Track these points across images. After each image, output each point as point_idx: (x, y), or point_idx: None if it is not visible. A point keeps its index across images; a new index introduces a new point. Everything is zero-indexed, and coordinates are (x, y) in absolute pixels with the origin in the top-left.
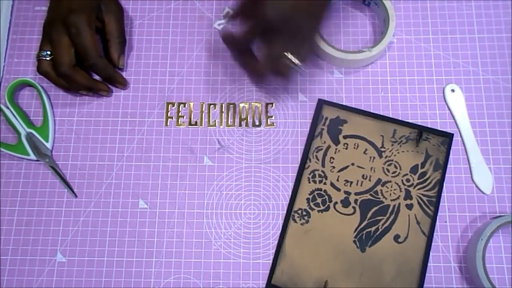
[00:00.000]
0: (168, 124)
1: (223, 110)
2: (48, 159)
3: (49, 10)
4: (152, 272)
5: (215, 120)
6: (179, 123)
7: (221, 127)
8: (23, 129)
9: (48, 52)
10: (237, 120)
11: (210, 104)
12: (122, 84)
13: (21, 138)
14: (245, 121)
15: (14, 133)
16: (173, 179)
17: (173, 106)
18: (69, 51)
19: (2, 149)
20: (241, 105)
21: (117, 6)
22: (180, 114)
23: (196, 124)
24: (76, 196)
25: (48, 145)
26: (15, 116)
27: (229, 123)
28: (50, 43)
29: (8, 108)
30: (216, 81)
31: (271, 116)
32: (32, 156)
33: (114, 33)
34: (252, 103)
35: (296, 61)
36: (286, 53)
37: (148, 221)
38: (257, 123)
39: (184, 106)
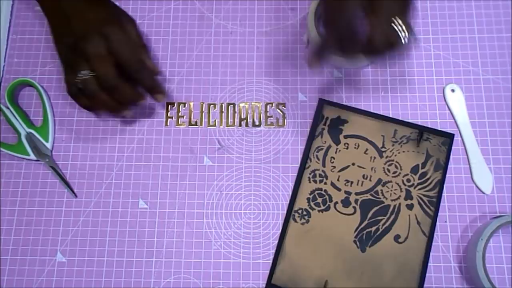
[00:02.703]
0: (168, 124)
1: (223, 110)
2: (48, 159)
3: (61, 29)
4: (152, 272)
5: (215, 120)
6: (179, 123)
7: (221, 127)
8: (23, 129)
9: (87, 71)
10: (237, 120)
11: (210, 104)
12: (163, 93)
13: (21, 138)
14: (245, 121)
15: (14, 133)
16: (173, 179)
17: (173, 106)
18: (112, 62)
19: (2, 149)
20: (241, 105)
21: (131, 18)
22: (180, 114)
23: (196, 124)
24: (76, 196)
25: (48, 145)
26: (15, 116)
27: (229, 123)
28: (88, 59)
29: (8, 108)
30: (216, 81)
31: (271, 116)
32: (32, 156)
33: (137, 41)
34: (252, 103)
35: (404, 29)
36: (394, 19)
37: (148, 221)
38: (257, 123)
39: (184, 106)
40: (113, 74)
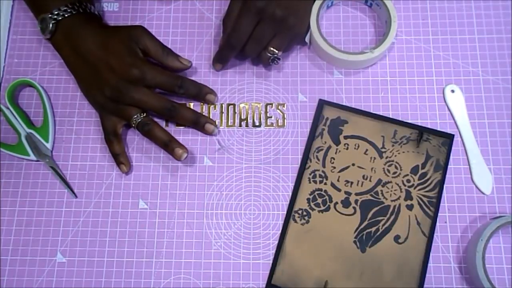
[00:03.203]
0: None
1: (223, 110)
2: (48, 159)
3: (89, 80)
4: (152, 272)
5: (215, 121)
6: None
7: (221, 127)
8: (23, 129)
9: (138, 114)
10: (237, 121)
11: (210, 105)
12: (211, 92)
13: (21, 139)
14: (245, 121)
15: (14, 134)
16: (173, 179)
17: None
18: (157, 95)
19: (2, 149)
20: (241, 105)
21: (141, 27)
22: None
23: None
24: (76, 196)
25: (48, 145)
26: (15, 117)
27: (229, 124)
28: (135, 103)
29: (8, 108)
30: (216, 81)
31: (271, 117)
32: (32, 156)
33: (158, 50)
34: (252, 104)
35: (273, 53)
36: (269, 46)
37: (148, 222)
38: (257, 124)
39: None
40: (166, 103)
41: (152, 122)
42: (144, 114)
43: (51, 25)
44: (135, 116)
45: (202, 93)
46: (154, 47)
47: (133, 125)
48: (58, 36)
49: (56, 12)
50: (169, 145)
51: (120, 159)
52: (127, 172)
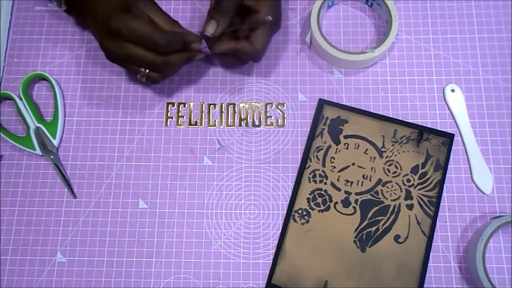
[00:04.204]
0: (168, 124)
1: (223, 110)
2: (53, 156)
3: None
4: (152, 272)
5: (215, 120)
6: (179, 123)
7: (221, 127)
8: (32, 122)
9: (141, 69)
10: (237, 120)
11: (210, 104)
12: (196, 41)
13: (30, 132)
14: (245, 121)
15: (23, 126)
16: (173, 179)
17: (173, 106)
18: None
19: (10, 140)
20: (241, 105)
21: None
22: (180, 114)
23: (196, 124)
24: (75, 197)
25: (55, 142)
26: (26, 109)
27: (229, 123)
28: (127, 58)
29: (21, 99)
30: (216, 81)
31: (271, 116)
32: (38, 151)
33: (167, 24)
34: (252, 103)
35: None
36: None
37: (148, 221)
38: (257, 123)
39: (184, 106)
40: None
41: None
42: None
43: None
44: (140, 69)
45: (186, 45)
46: (161, 19)
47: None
48: (74, 5)
49: None
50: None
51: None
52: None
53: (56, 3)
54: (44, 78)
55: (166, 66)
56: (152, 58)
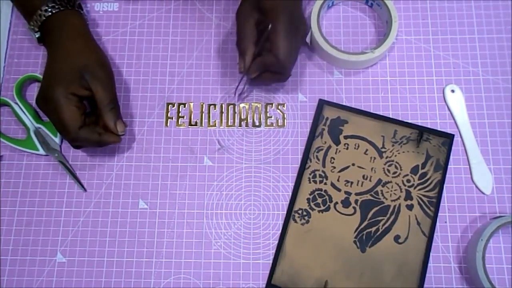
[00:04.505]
0: (168, 124)
1: (223, 110)
2: (57, 153)
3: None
4: (152, 272)
5: (215, 121)
6: (179, 123)
7: (221, 127)
8: (31, 124)
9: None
10: (237, 121)
11: (210, 105)
12: (115, 141)
13: (30, 133)
14: (245, 121)
15: (22, 128)
16: (173, 179)
17: (173, 106)
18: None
19: (12, 144)
20: (241, 105)
21: (105, 72)
22: (180, 115)
23: (196, 124)
24: (85, 190)
25: (57, 140)
26: (23, 111)
27: (229, 124)
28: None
29: (16, 103)
30: (216, 81)
31: (271, 117)
32: (41, 151)
33: (104, 101)
34: (252, 104)
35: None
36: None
37: (148, 222)
38: (257, 124)
39: (184, 107)
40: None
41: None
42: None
43: (33, 35)
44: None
45: (102, 144)
46: (101, 96)
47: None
48: (46, 40)
49: (39, 13)
50: (102, 143)
51: (105, 138)
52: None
53: (32, 34)
54: (37, 80)
55: (77, 142)
56: (63, 135)
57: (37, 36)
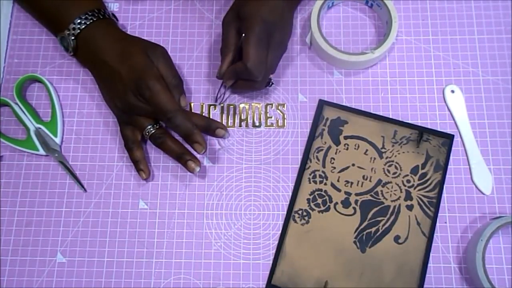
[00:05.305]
0: None
1: (223, 110)
2: (57, 154)
3: (106, 89)
4: (152, 272)
5: (224, 125)
6: None
7: None
8: (31, 124)
9: (151, 126)
10: (237, 121)
11: (210, 105)
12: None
13: (30, 134)
14: (245, 121)
15: (22, 129)
16: (173, 179)
17: None
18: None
19: (12, 144)
20: (241, 105)
21: (161, 48)
22: None
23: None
24: (85, 190)
25: (57, 140)
26: (23, 112)
27: (229, 124)
28: (146, 115)
29: (16, 103)
30: (217, 81)
31: (271, 117)
32: (42, 151)
33: (169, 77)
34: (252, 104)
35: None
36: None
37: (148, 222)
38: (257, 124)
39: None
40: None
41: (164, 134)
42: (158, 126)
43: (71, 42)
44: (149, 127)
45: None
46: (166, 73)
47: (146, 136)
48: (80, 51)
49: (72, 27)
50: (182, 158)
51: (140, 166)
52: (146, 179)
53: (64, 48)
54: (37, 80)
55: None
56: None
57: (72, 45)
